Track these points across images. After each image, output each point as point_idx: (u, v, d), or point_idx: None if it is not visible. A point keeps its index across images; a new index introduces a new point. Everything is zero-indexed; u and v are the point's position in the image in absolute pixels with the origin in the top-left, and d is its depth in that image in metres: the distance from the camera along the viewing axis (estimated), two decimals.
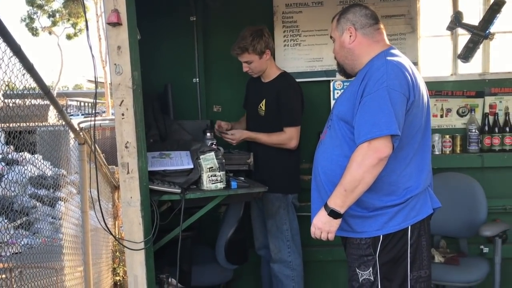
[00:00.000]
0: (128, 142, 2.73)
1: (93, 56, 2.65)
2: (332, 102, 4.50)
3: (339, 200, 2.47)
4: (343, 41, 2.74)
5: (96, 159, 3.46)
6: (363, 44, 2.69)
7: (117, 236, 5.44)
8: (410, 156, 2.58)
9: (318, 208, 2.61)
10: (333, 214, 2.49)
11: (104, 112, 32.08)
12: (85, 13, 2.87)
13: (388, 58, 2.55)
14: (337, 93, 4.52)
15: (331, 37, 2.85)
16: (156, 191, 3.00)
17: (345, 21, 2.73)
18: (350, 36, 2.70)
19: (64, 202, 4.25)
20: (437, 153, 4.50)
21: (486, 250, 4.37)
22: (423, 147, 2.66)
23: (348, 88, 2.74)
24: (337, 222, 2.52)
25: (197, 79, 4.62)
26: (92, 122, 2.92)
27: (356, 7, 2.77)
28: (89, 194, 3.95)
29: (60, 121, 3.70)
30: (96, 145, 4.63)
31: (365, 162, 2.40)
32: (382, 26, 2.76)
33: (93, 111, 3.01)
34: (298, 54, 4.57)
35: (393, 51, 2.66)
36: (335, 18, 2.80)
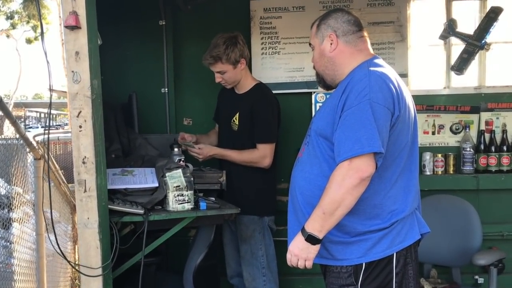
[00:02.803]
0: (85, 157, 2.73)
1: (48, 62, 2.64)
2: None
3: (317, 224, 2.46)
4: (323, 49, 2.73)
5: (53, 176, 3.44)
6: (345, 53, 2.69)
7: (76, 261, 5.38)
8: (395, 176, 2.58)
9: (295, 232, 2.59)
10: (311, 239, 2.47)
11: (66, 124, 31.82)
12: (39, 14, 2.87)
13: (371, 68, 2.54)
14: (319, 106, 4.54)
15: (310, 44, 2.84)
16: (117, 211, 3.00)
17: (326, 27, 2.72)
18: (331, 44, 2.69)
19: (20, 224, 4.21)
20: (428, 173, 4.55)
21: (481, 280, 4.41)
22: (410, 167, 2.65)
23: (327, 101, 2.73)
24: (315, 248, 2.51)
25: (166, 89, 4.63)
26: (50, 135, 2.90)
27: (338, 12, 2.76)
28: (46, 215, 3.91)
29: (16, 134, 3.68)
30: (54, 160, 4.60)
31: (346, 183, 2.38)
32: (366, 33, 2.76)
33: (51, 122, 3.00)
34: (277, 63, 4.61)
35: (377, 60, 2.66)
36: (315, 24, 2.79)
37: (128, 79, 4.58)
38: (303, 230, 2.51)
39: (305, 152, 2.75)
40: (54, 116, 37.74)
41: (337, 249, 2.63)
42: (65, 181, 5.51)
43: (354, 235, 2.59)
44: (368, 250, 2.58)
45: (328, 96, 4.39)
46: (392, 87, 2.49)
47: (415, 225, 2.68)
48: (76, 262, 4.84)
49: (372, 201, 2.55)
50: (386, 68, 2.61)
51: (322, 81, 2.85)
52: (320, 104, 4.55)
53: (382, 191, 2.56)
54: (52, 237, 2.94)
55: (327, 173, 2.51)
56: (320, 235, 2.47)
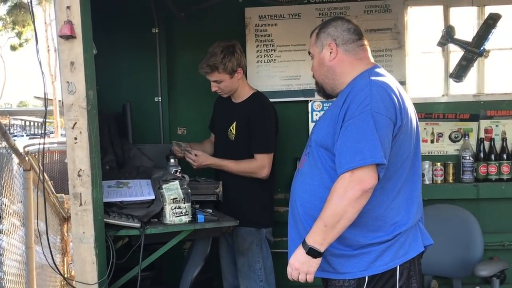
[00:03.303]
0: (81, 169, 2.70)
1: (43, 72, 2.64)
2: (311, 125, 4.53)
3: (319, 237, 2.45)
4: (322, 58, 2.73)
5: (44, 188, 3.42)
6: (345, 62, 2.70)
7: (66, 275, 5.36)
8: (398, 187, 2.58)
9: (297, 245, 2.57)
10: (312, 252, 2.47)
11: (52, 133, 31.71)
12: (34, 22, 2.86)
13: (373, 78, 2.55)
14: (316, 114, 4.55)
15: (309, 53, 2.84)
16: (112, 225, 2.98)
17: (326, 36, 2.73)
18: (330, 53, 2.70)
19: (7, 236, 4.18)
20: (427, 182, 4.55)
21: None
22: (413, 177, 2.66)
23: (328, 110, 2.74)
24: (316, 262, 2.50)
25: (160, 98, 4.62)
26: (40, 146, 2.89)
27: (338, 21, 2.77)
28: (34, 227, 3.88)
29: (3, 143, 3.66)
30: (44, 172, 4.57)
31: (348, 195, 2.38)
32: (366, 42, 2.77)
33: (36, 131, 2.99)
34: (273, 71, 4.61)
35: (378, 70, 2.66)
36: (314, 32, 2.80)
37: (121, 88, 4.57)
38: (304, 243, 2.50)
39: (306, 163, 2.74)
40: (39, 124, 37.66)
41: (339, 262, 2.62)
42: (54, 192, 5.50)
43: (356, 248, 2.58)
44: (371, 263, 2.57)
45: (325, 104, 4.44)
46: (394, 96, 2.49)
47: (418, 237, 2.68)
48: (65, 275, 4.83)
49: (374, 213, 2.55)
50: (387, 78, 2.61)
51: (321, 90, 2.85)
52: (317, 113, 4.55)
53: (384, 203, 2.56)
54: (41, 250, 2.91)
55: (328, 185, 2.50)
56: (322, 248, 2.46)
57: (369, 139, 2.38)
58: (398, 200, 2.59)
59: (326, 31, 2.74)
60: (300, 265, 2.52)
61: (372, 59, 2.77)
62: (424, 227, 2.76)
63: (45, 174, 4.73)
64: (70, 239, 6.55)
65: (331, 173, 2.55)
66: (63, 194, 6.50)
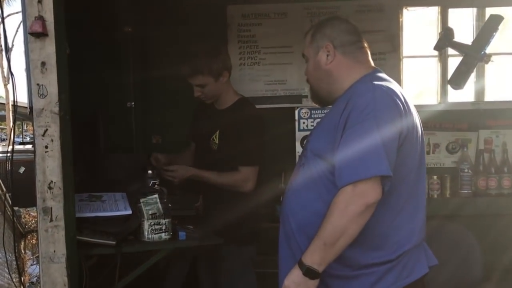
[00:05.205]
0: (52, 181, 2.66)
1: (12, 74, 2.59)
2: (297, 133, 4.50)
3: (317, 256, 2.41)
4: (318, 61, 2.70)
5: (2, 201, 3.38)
6: (343, 65, 2.67)
7: None
8: (401, 202, 2.54)
9: (289, 264, 2.54)
10: (310, 273, 2.42)
11: (4, 140, 31.31)
12: (3, 21, 2.80)
13: (375, 82, 2.53)
14: (303, 122, 4.53)
15: (303, 55, 2.81)
16: (85, 242, 2.92)
17: (322, 37, 2.70)
18: (327, 55, 2.67)
19: None
20: None
21: None
22: (417, 191, 2.62)
23: (326, 118, 2.70)
24: (314, 284, 2.45)
25: (132, 103, 4.57)
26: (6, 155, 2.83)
27: (335, 20, 2.76)
28: None
29: None
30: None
31: (349, 210, 2.34)
32: (366, 44, 2.76)
33: (11, 140, 2.94)
34: (257, 75, 4.61)
35: (380, 74, 2.65)
36: (310, 33, 2.77)
37: (90, 92, 4.48)
38: (300, 263, 2.45)
39: (300, 174, 2.69)
40: None
41: (337, 284, 2.58)
42: (11, 205, 5.42)
43: (356, 269, 2.54)
44: (372, 285, 2.53)
45: (313, 111, 4.42)
46: (399, 102, 2.47)
47: (422, 257, 2.66)
48: None
49: (376, 230, 2.50)
50: (391, 83, 2.60)
51: (316, 96, 2.82)
52: (305, 121, 4.53)
53: (387, 219, 2.52)
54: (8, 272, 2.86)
55: (326, 198, 2.46)
56: (320, 268, 2.42)
57: (373, 148, 2.34)
58: (401, 217, 2.56)
59: (323, 32, 2.71)
60: (296, 287, 2.47)
61: (372, 63, 2.75)
62: (427, 246, 2.74)
63: (3, 187, 4.69)
64: (27, 257, 6.49)
65: (329, 186, 2.50)
66: (19, 208, 6.44)
